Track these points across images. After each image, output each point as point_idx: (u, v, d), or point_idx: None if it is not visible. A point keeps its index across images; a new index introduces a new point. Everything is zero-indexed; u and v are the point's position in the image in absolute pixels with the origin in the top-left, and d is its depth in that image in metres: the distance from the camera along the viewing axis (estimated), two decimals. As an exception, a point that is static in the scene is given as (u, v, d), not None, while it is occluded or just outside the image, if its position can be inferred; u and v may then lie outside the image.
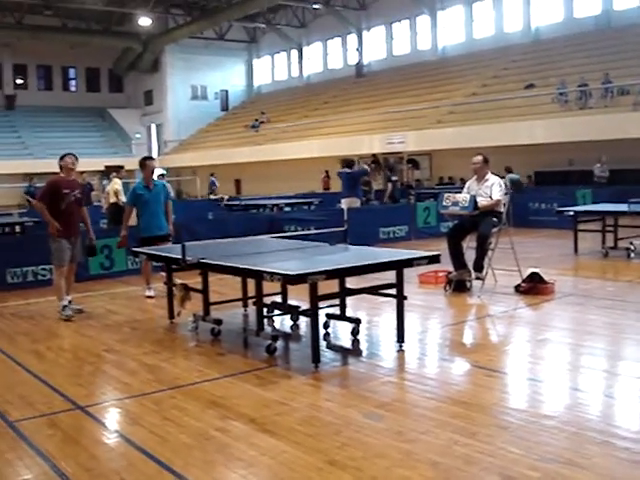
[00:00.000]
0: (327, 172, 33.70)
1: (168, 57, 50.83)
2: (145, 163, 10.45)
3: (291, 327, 8.27)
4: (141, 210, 10.32)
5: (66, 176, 9.38)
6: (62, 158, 9.46)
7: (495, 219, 9.93)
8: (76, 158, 9.51)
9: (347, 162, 18.41)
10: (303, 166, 36.20)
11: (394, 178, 22.54)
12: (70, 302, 9.37)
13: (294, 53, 50.56)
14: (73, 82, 53.88)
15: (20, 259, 11.86)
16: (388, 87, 38.50)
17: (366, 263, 6.97)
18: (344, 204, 17.42)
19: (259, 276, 6.73)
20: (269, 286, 7.56)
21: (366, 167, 19.77)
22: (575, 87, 26.65)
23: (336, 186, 33.76)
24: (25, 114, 48.87)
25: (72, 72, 53.53)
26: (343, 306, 7.82)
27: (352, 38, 45.34)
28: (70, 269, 9.51)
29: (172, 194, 11.03)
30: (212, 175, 33.58)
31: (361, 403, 5.54)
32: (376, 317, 8.76)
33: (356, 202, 17.79)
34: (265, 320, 7.74)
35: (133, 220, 10.55)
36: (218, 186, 33.08)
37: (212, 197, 24.23)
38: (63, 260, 9.28)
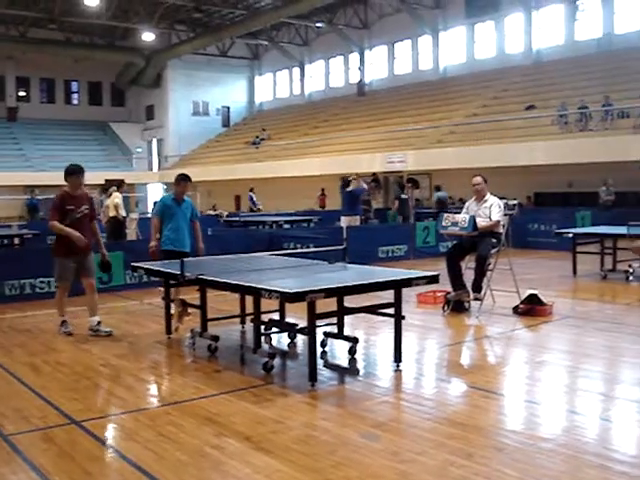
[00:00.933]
0: (323, 190, 33.86)
1: (170, 72, 51.00)
2: (181, 182, 10.01)
3: (288, 345, 8.26)
4: (166, 222, 9.93)
5: (72, 191, 9.02)
6: (70, 173, 9.05)
7: (494, 240, 9.94)
8: (82, 170, 9.19)
9: (344, 180, 18.52)
10: (303, 184, 36.23)
11: (404, 196, 22.51)
12: (99, 323, 9.06)
13: (296, 71, 50.75)
14: (75, 95, 54.02)
15: (18, 271, 11.85)
16: (389, 106, 38.63)
17: (365, 282, 6.97)
18: (344, 222, 17.48)
19: (257, 293, 6.73)
20: (267, 303, 7.56)
21: (365, 186, 19.79)
22: (575, 109, 26.74)
23: (332, 204, 34.00)
24: (27, 126, 48.99)
25: (75, 85, 53.68)
26: (341, 325, 7.81)
27: (354, 57, 45.54)
28: (89, 286, 9.08)
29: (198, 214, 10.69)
30: (251, 190, 33.17)
31: (357, 423, 5.53)
32: (374, 336, 8.75)
33: (356, 220, 17.88)
34: (262, 338, 7.72)
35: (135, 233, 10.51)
36: (258, 202, 32.73)
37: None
38: (65, 279, 9.07)
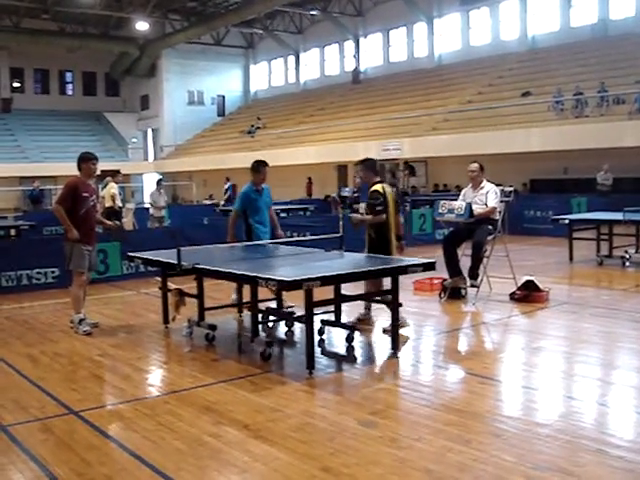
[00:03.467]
0: (310, 178, 34.04)
1: (165, 62, 50.81)
2: (261, 169, 9.36)
3: (286, 333, 8.27)
4: (252, 215, 9.30)
5: (85, 179, 8.82)
6: (85, 160, 8.79)
7: (490, 227, 9.94)
8: (96, 158, 8.92)
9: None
10: (299, 172, 36.20)
11: (397, 184, 22.62)
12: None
13: (291, 59, 50.59)
14: (70, 86, 53.79)
15: (15, 263, 11.83)
16: (384, 94, 38.55)
17: (361, 270, 6.98)
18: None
19: (254, 282, 6.74)
20: (265, 291, 7.57)
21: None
22: (571, 95, 26.71)
23: (317, 192, 34.08)
24: (21, 117, 48.81)
25: (69, 76, 53.45)
26: (338, 312, 7.82)
27: (349, 45, 45.41)
28: (87, 280, 8.94)
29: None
30: (228, 180, 31.38)
31: (355, 410, 5.54)
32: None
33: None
34: (260, 326, 7.73)
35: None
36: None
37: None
38: (83, 266, 8.68)
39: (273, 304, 8.54)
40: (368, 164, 8.76)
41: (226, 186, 30.86)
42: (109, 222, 9.49)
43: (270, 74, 53.40)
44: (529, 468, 4.37)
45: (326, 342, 7.79)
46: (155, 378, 7.08)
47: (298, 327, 8.24)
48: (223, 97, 53.87)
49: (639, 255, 13.18)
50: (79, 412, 5.66)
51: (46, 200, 34.11)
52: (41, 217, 21.23)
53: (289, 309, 8.49)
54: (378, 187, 8.41)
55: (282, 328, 8.43)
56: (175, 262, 7.46)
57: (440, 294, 10.18)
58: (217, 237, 10.88)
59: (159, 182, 21.33)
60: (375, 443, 4.85)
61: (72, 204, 8.54)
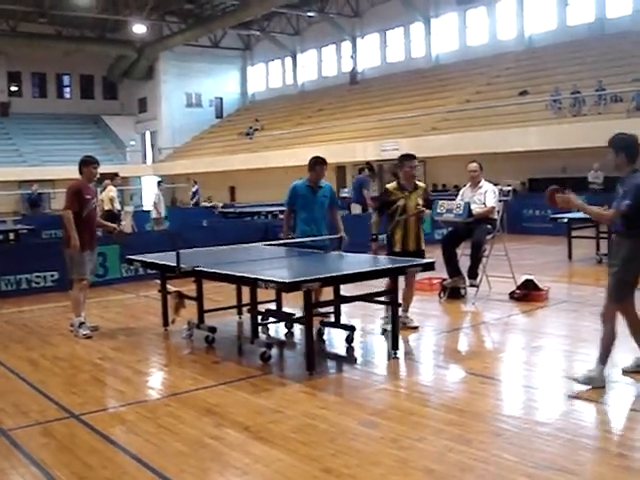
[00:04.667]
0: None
1: (162, 64, 50.80)
2: (316, 167, 8.64)
3: (285, 334, 8.27)
4: (299, 212, 8.72)
5: (86, 182, 8.82)
6: (87, 164, 8.79)
7: (489, 226, 9.95)
8: (98, 162, 8.94)
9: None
10: (298, 174, 36.19)
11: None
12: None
13: (288, 60, 50.58)
14: (67, 89, 53.78)
15: (14, 267, 11.83)
16: (382, 94, 38.54)
17: (361, 270, 6.99)
18: (354, 210, 18.15)
19: (253, 283, 6.74)
20: (264, 293, 7.57)
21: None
22: (568, 94, 26.71)
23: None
24: (19, 121, 48.77)
25: (66, 79, 53.44)
26: (338, 313, 7.83)
27: (346, 45, 45.39)
28: (87, 284, 8.94)
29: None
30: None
31: (356, 411, 5.55)
32: (371, 324, 8.76)
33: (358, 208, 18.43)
34: (260, 328, 7.73)
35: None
36: (201, 195, 30.91)
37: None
38: (84, 273, 8.69)
39: (273, 306, 8.55)
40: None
41: (193, 189, 30.81)
42: (110, 225, 9.48)
43: (267, 76, 53.39)
44: (530, 467, 4.37)
45: (326, 343, 7.80)
46: (155, 381, 7.09)
47: (298, 328, 8.24)
48: (221, 99, 53.86)
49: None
50: (80, 415, 5.66)
51: (44, 204, 34.10)
52: (40, 221, 21.23)
53: (327, 316, 8.17)
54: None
55: (282, 330, 8.44)
56: (174, 265, 7.46)
57: (440, 294, 10.19)
58: (216, 239, 10.89)
59: (159, 183, 21.42)
60: (376, 444, 4.86)
61: (78, 207, 8.54)
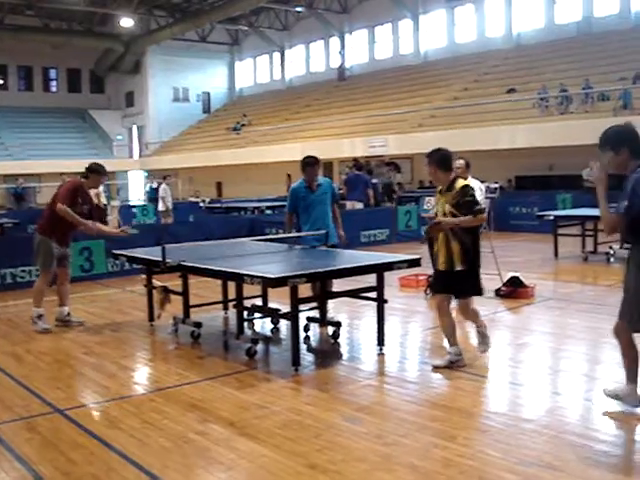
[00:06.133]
0: (289, 175, 34.30)
1: (150, 58, 50.65)
2: (307, 169, 8.48)
3: (271, 330, 8.27)
4: (301, 215, 8.61)
5: (87, 186, 8.76)
6: (96, 172, 8.70)
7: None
8: (106, 172, 8.90)
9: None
10: (285, 169, 36.18)
11: (374, 181, 22.75)
12: (69, 314, 8.85)
13: (276, 56, 50.54)
14: (54, 83, 53.53)
15: (-2, 261, 11.77)
16: (370, 90, 38.58)
17: (347, 266, 6.98)
18: (349, 205, 18.12)
19: (239, 279, 6.73)
20: (250, 289, 7.55)
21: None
22: (556, 92, 26.82)
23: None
24: (5, 115, 48.49)
25: (53, 73, 53.19)
26: (324, 309, 7.82)
27: (334, 41, 45.40)
28: (66, 275, 8.94)
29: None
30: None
31: (341, 406, 5.55)
32: (356, 320, 8.77)
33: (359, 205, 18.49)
34: (245, 323, 7.72)
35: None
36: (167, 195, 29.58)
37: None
38: (51, 266, 8.64)
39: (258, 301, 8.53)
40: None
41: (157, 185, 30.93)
42: (115, 231, 9.36)
43: (255, 71, 53.35)
44: (514, 463, 4.38)
45: (312, 339, 7.80)
46: (141, 376, 7.06)
47: (284, 324, 8.23)
48: (208, 94, 53.78)
49: (623, 251, 13.22)
50: (64, 411, 5.64)
51: (30, 198, 33.90)
52: (26, 215, 21.11)
53: (333, 319, 8.10)
54: (467, 182, 6.70)
55: (268, 325, 8.43)
56: (160, 259, 7.44)
57: (426, 290, 10.20)
58: (202, 234, 10.87)
59: (166, 177, 22.79)
60: (361, 439, 4.86)
61: (69, 205, 8.42)
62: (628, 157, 4.99)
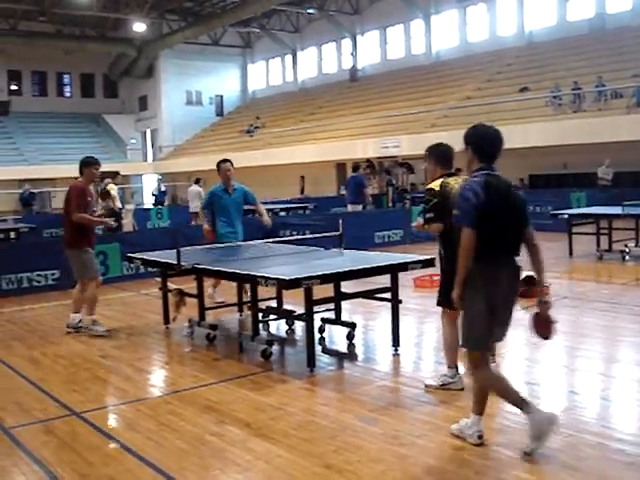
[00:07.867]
0: (303, 177, 34.32)
1: (162, 62, 50.76)
2: (219, 168, 9.83)
3: (286, 332, 8.28)
4: (216, 214, 9.77)
5: (87, 183, 8.78)
6: (88, 164, 8.71)
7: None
8: (99, 162, 8.88)
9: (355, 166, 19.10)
10: (298, 171, 36.20)
11: (393, 182, 22.64)
12: (80, 320, 8.81)
13: (288, 58, 50.53)
14: (67, 88, 53.70)
15: (15, 265, 11.84)
16: (382, 91, 38.52)
17: (361, 267, 6.98)
18: (351, 208, 17.99)
19: (254, 281, 6.75)
20: (264, 291, 7.57)
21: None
22: (569, 90, 26.69)
23: (310, 191, 34.34)
24: (19, 120, 48.72)
25: (66, 78, 53.36)
26: (338, 310, 7.83)
27: (346, 43, 45.34)
28: (98, 283, 8.88)
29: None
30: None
31: (357, 407, 5.55)
32: (371, 321, 8.77)
33: (359, 207, 18.33)
34: (260, 325, 7.74)
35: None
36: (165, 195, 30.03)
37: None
38: (96, 271, 8.73)
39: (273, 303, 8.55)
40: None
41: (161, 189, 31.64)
42: (97, 219, 9.32)
43: (268, 73, 53.34)
44: (531, 463, 4.37)
45: (327, 340, 7.81)
46: (157, 378, 7.10)
47: (299, 325, 8.24)
48: (221, 97, 53.84)
49: (639, 249, 13.17)
50: (81, 413, 5.67)
51: (37, 203, 34.05)
52: (39, 219, 21.24)
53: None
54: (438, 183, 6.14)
55: (283, 327, 8.44)
56: (175, 262, 7.47)
57: (440, 290, 10.15)
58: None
59: (198, 180, 23.40)
60: (376, 440, 4.86)
61: (83, 209, 8.50)
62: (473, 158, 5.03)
